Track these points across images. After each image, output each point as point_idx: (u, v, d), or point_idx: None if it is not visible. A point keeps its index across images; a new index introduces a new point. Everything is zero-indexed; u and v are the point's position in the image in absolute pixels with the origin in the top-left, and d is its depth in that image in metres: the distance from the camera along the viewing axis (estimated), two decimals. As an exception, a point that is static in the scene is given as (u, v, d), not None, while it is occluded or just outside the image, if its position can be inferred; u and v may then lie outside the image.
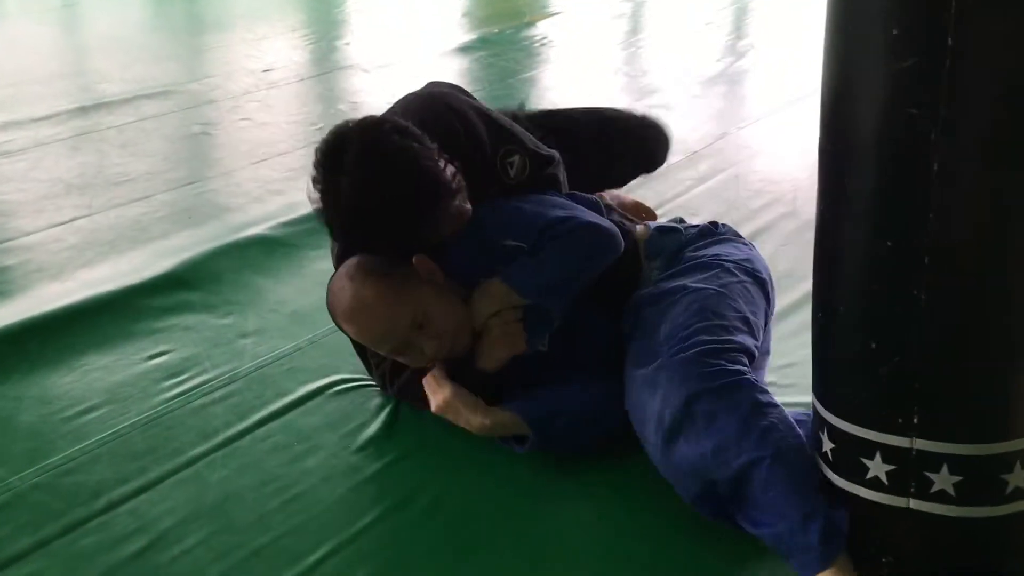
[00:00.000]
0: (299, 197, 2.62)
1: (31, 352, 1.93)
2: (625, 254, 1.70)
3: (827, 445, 1.29)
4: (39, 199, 2.66)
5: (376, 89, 3.66)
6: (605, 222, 1.69)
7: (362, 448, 1.66)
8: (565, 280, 1.63)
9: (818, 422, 1.32)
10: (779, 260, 2.13)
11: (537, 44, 4.38)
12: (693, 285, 1.61)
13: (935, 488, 1.20)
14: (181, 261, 2.27)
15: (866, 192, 1.18)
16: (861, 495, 1.26)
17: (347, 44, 4.39)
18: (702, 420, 1.37)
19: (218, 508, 1.52)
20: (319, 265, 2.29)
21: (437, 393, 1.64)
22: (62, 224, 2.51)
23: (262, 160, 2.97)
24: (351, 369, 1.87)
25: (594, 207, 1.79)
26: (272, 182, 2.81)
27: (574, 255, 1.63)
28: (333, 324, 1.70)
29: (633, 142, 2.23)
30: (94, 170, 2.88)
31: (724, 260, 1.69)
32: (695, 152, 3.03)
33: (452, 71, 3.82)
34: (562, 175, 1.86)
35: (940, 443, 1.18)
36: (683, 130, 3.22)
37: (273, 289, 2.20)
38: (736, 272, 1.66)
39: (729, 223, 1.90)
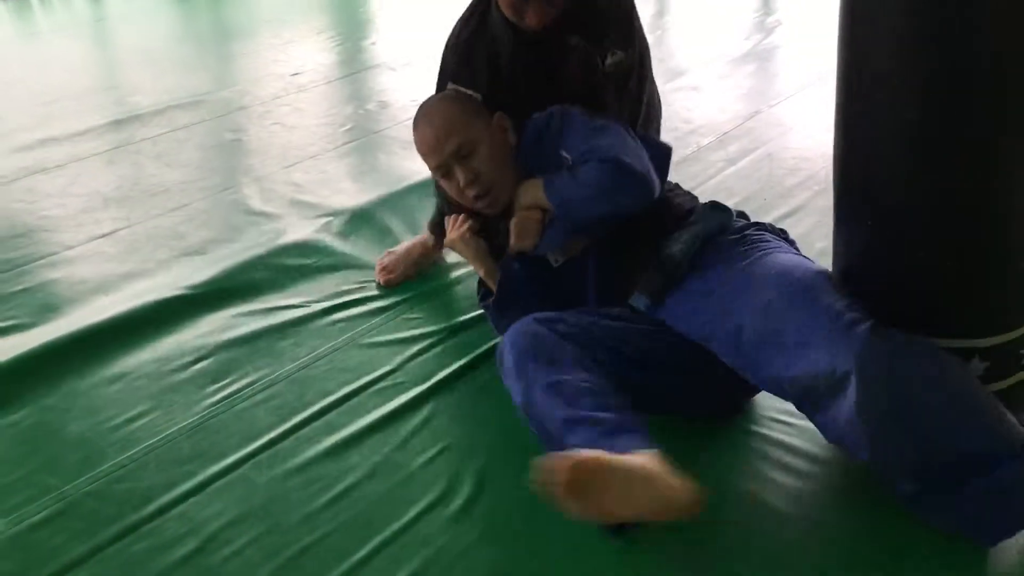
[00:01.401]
0: (333, 200, 2.68)
1: (78, 364, 1.97)
2: (672, 209, 1.73)
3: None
4: (79, 213, 2.71)
5: (404, 87, 3.68)
6: (644, 167, 1.70)
7: (402, 444, 1.68)
8: (584, 201, 1.71)
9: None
10: (816, 238, 2.11)
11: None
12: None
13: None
14: (220, 269, 2.31)
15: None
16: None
17: (373, 44, 4.41)
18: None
19: (265, 509, 1.54)
20: (354, 266, 2.32)
21: (453, 230, 1.93)
22: (102, 237, 2.56)
23: (295, 163, 3.00)
24: (387, 366, 1.90)
25: (657, 151, 1.80)
26: (305, 185, 2.84)
27: (598, 184, 1.69)
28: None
29: None
30: (131, 182, 2.93)
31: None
32: (726, 133, 3.01)
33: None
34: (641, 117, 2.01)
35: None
36: (712, 111, 3.21)
37: (309, 291, 2.23)
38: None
39: (765, 201, 1.87)
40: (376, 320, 2.09)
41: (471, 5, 2.01)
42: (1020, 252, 1.39)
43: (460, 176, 1.77)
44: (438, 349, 1.97)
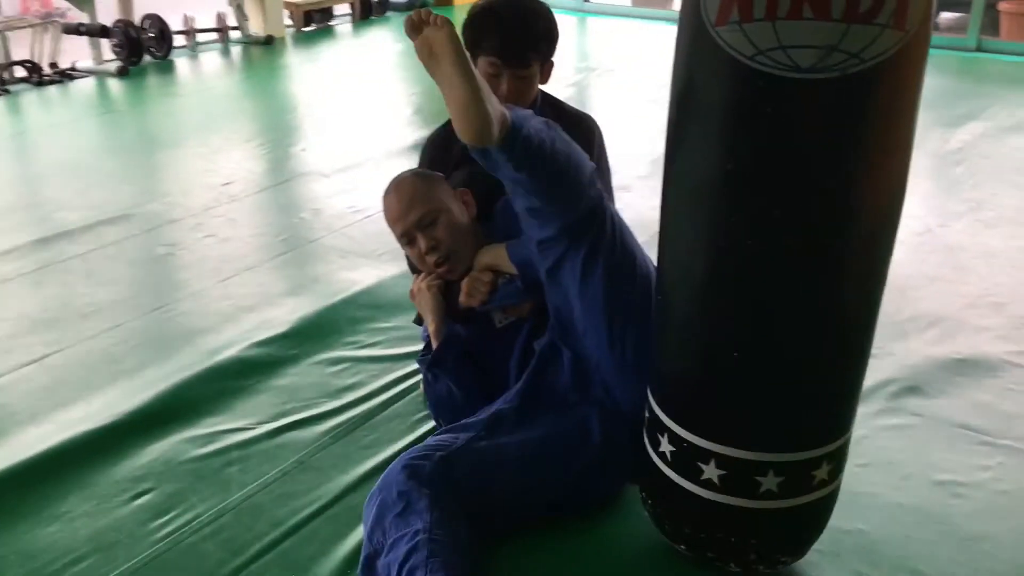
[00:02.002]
0: (272, 313, 2.65)
1: (11, 504, 1.88)
2: None
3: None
4: (6, 338, 2.62)
5: (337, 193, 3.69)
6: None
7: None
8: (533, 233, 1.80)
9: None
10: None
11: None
12: None
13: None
14: (157, 393, 2.25)
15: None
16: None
17: (303, 150, 4.42)
18: None
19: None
20: (298, 384, 2.28)
21: (418, 281, 2.05)
22: (33, 363, 2.47)
23: (231, 276, 2.96)
24: (338, 489, 1.86)
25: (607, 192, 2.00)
26: (243, 299, 2.80)
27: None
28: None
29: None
30: (60, 303, 2.85)
31: None
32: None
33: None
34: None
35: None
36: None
37: (252, 412, 2.18)
38: None
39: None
40: (325, 440, 2.05)
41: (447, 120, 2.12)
42: (806, 374, 1.44)
43: (421, 243, 1.94)
44: (390, 468, 1.93)
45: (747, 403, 1.45)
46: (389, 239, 2.07)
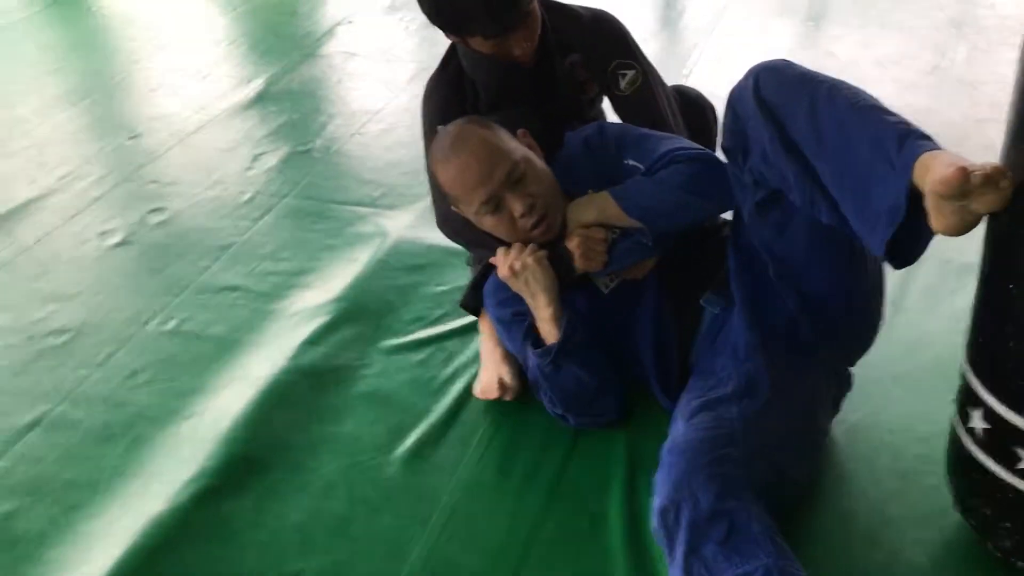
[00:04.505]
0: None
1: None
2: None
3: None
4: None
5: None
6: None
7: None
8: (673, 206, 1.58)
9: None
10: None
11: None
12: None
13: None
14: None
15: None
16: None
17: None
18: None
19: None
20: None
21: (519, 256, 1.62)
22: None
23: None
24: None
25: None
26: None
27: (688, 183, 1.57)
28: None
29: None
30: None
31: None
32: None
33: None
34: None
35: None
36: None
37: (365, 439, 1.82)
38: None
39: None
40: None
41: (442, 61, 1.91)
42: None
43: (516, 205, 1.58)
44: None
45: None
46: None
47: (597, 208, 1.62)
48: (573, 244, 1.62)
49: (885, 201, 1.18)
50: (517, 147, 1.63)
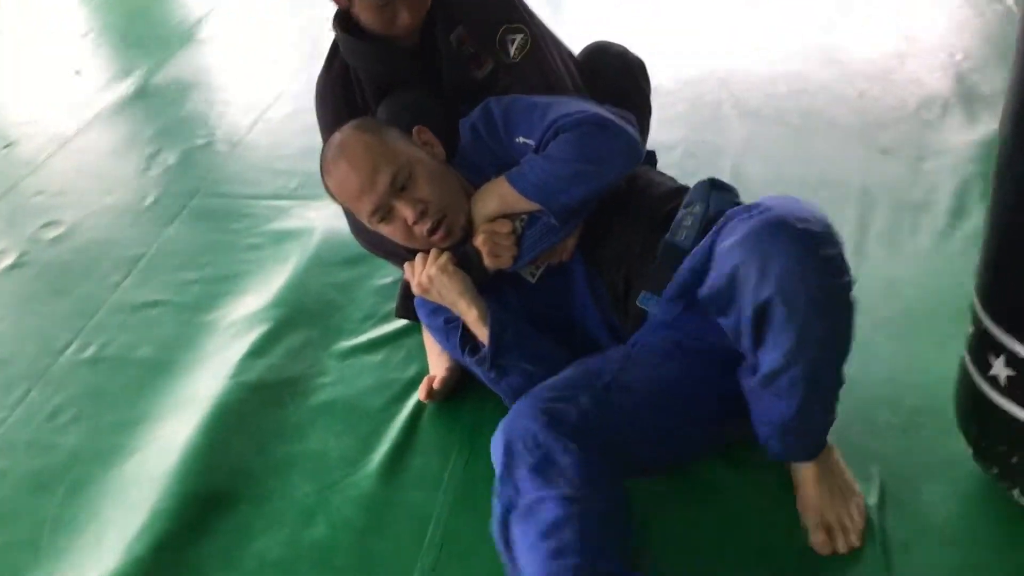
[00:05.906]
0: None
1: None
2: (658, 189, 1.56)
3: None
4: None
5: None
6: (627, 125, 1.49)
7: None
8: (566, 180, 1.46)
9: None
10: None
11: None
12: None
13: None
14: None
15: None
16: None
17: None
18: None
19: None
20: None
21: (423, 268, 1.52)
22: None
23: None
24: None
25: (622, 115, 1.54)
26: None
27: (581, 151, 1.45)
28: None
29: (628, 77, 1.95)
30: None
31: None
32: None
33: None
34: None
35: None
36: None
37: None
38: None
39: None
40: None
41: (327, 58, 1.79)
42: None
43: (406, 212, 1.49)
44: None
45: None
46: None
47: (497, 197, 1.51)
48: (479, 242, 1.52)
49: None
50: (405, 149, 1.52)
